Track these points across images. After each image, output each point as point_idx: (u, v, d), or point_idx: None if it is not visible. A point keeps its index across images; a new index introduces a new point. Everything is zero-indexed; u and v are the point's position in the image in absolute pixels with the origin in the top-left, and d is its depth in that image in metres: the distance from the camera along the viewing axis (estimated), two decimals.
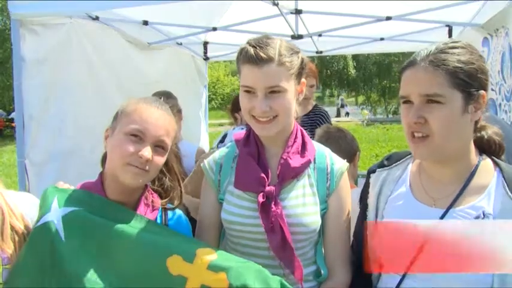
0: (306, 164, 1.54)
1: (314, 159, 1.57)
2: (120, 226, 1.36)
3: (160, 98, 3.17)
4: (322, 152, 1.60)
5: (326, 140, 2.38)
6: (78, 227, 1.36)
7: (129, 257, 1.33)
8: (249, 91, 1.45)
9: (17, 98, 2.80)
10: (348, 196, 1.58)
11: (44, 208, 1.39)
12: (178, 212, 1.60)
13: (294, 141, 1.55)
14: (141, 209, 1.47)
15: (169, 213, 1.55)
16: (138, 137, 1.39)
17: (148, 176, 1.43)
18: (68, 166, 3.00)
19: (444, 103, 1.23)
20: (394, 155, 1.55)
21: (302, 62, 1.50)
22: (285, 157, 1.53)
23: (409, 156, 1.50)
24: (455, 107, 1.24)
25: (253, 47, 1.43)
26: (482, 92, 1.27)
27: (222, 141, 2.89)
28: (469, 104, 1.25)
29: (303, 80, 1.54)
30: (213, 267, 1.28)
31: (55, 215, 1.36)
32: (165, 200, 1.54)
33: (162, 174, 1.54)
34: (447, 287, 1.25)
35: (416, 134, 1.28)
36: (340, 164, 1.59)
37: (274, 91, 1.43)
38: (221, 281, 1.26)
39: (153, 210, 1.50)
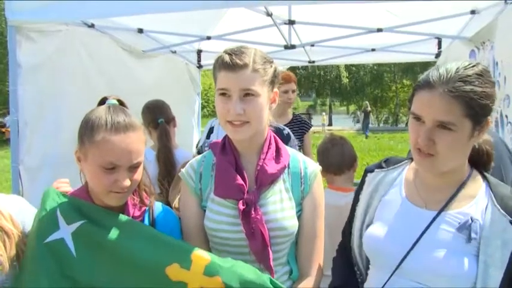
0: (282, 170, 1.60)
1: (288, 164, 1.63)
2: (122, 237, 1.42)
3: (152, 107, 3.18)
4: (295, 157, 1.66)
5: (332, 146, 2.68)
6: (87, 242, 1.41)
7: (132, 266, 1.39)
8: (224, 93, 1.51)
9: (13, 104, 2.81)
10: (322, 198, 1.65)
11: (51, 224, 1.42)
12: (165, 207, 1.63)
13: (269, 148, 1.61)
14: (130, 210, 1.52)
15: (156, 210, 1.59)
16: (112, 168, 1.40)
17: (130, 193, 1.48)
18: (62, 172, 2.97)
19: (455, 130, 1.28)
20: (392, 159, 1.63)
21: (275, 71, 1.57)
22: (261, 163, 1.58)
23: (406, 161, 1.58)
24: (464, 134, 1.30)
25: (228, 54, 1.50)
26: (488, 117, 1.33)
27: (208, 136, 2.88)
28: (475, 130, 1.31)
29: (276, 89, 1.60)
30: (208, 272, 1.37)
31: (64, 232, 1.41)
32: (152, 197, 1.59)
33: None
34: (432, 286, 1.33)
35: (422, 150, 1.34)
36: (313, 167, 1.65)
37: (248, 94, 1.49)
38: (217, 284, 1.35)
39: (141, 208, 1.55)
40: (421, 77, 1.36)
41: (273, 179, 1.58)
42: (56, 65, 3.10)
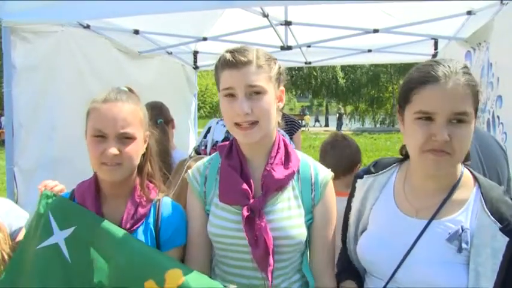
0: (290, 176, 1.53)
1: (298, 170, 1.56)
2: (109, 247, 1.42)
3: (150, 108, 3.18)
4: (306, 162, 1.58)
5: (331, 148, 2.50)
6: (80, 248, 1.43)
7: (116, 276, 1.40)
8: (230, 94, 1.45)
9: (7, 105, 2.79)
10: (334, 205, 1.58)
11: (45, 229, 1.44)
12: (173, 204, 1.61)
13: (277, 152, 1.54)
14: (136, 197, 1.53)
15: (163, 206, 1.58)
16: (100, 136, 1.45)
17: (125, 168, 1.49)
18: (57, 173, 2.98)
19: (468, 122, 1.26)
20: (381, 162, 1.57)
21: (279, 68, 1.53)
22: (268, 169, 1.51)
23: (395, 164, 1.52)
24: (473, 126, 1.27)
25: (230, 52, 1.46)
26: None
27: (205, 136, 2.87)
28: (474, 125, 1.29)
29: (282, 88, 1.55)
30: None
31: (58, 237, 1.43)
32: (161, 193, 1.60)
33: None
34: None
35: (439, 149, 1.26)
36: (325, 173, 1.58)
37: (254, 91, 1.44)
38: None
39: (147, 202, 1.55)
40: (414, 75, 1.31)
41: (280, 185, 1.51)
42: (51, 66, 3.08)
